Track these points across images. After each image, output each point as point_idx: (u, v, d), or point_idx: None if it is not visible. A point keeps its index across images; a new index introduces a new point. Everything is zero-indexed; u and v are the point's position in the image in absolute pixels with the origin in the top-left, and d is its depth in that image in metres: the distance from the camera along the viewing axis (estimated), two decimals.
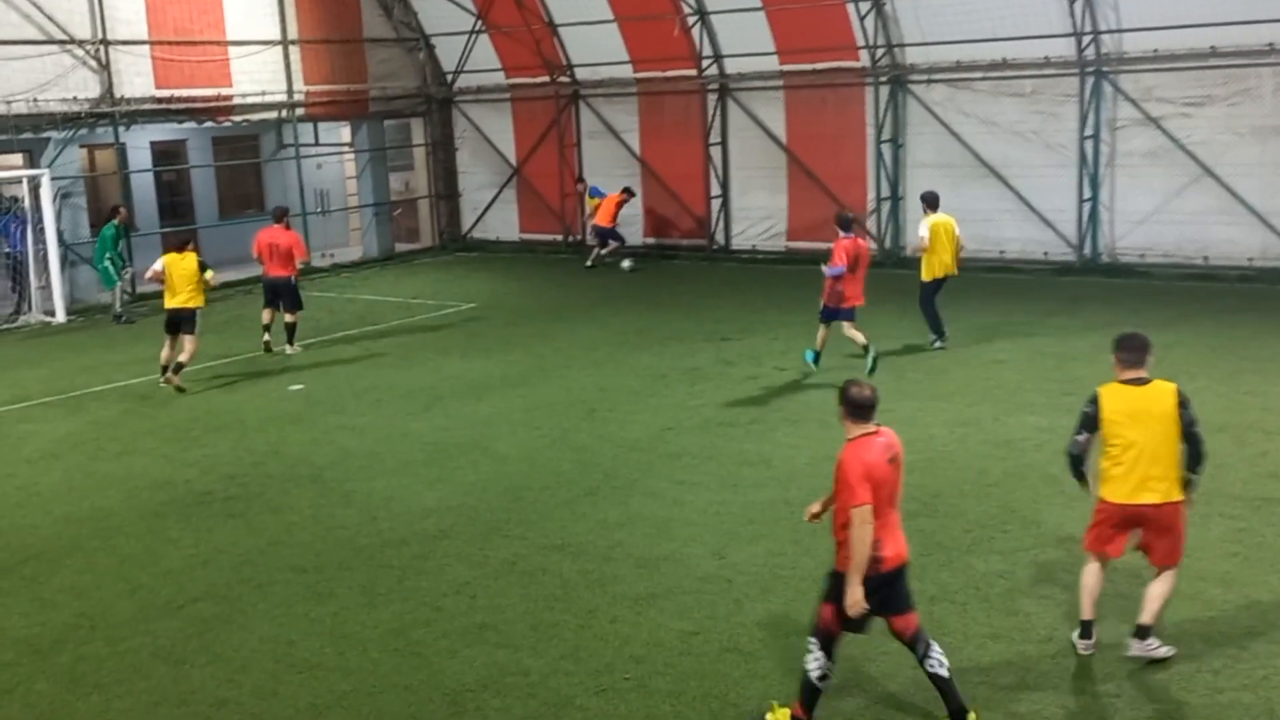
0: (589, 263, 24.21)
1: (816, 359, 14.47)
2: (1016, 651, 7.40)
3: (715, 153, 24.85)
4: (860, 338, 14.24)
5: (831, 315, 14.38)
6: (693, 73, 24.71)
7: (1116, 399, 7.14)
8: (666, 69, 24.93)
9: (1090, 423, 7.21)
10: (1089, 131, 20.65)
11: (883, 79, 22.54)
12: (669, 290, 21.47)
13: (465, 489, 11.00)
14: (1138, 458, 7.00)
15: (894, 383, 14.09)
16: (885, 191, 22.88)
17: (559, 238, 27.16)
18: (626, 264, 23.61)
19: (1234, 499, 9.71)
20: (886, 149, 22.74)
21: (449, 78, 27.95)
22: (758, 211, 24.48)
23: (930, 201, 15.85)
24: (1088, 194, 20.81)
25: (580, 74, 26.23)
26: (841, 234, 14.26)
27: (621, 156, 25.99)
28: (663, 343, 16.88)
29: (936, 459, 11.17)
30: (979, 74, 21.53)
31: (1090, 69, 20.51)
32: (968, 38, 20.89)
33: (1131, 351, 7.22)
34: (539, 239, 27.37)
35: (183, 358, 15.15)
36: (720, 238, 25.11)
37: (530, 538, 9.68)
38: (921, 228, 15.69)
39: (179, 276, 15.10)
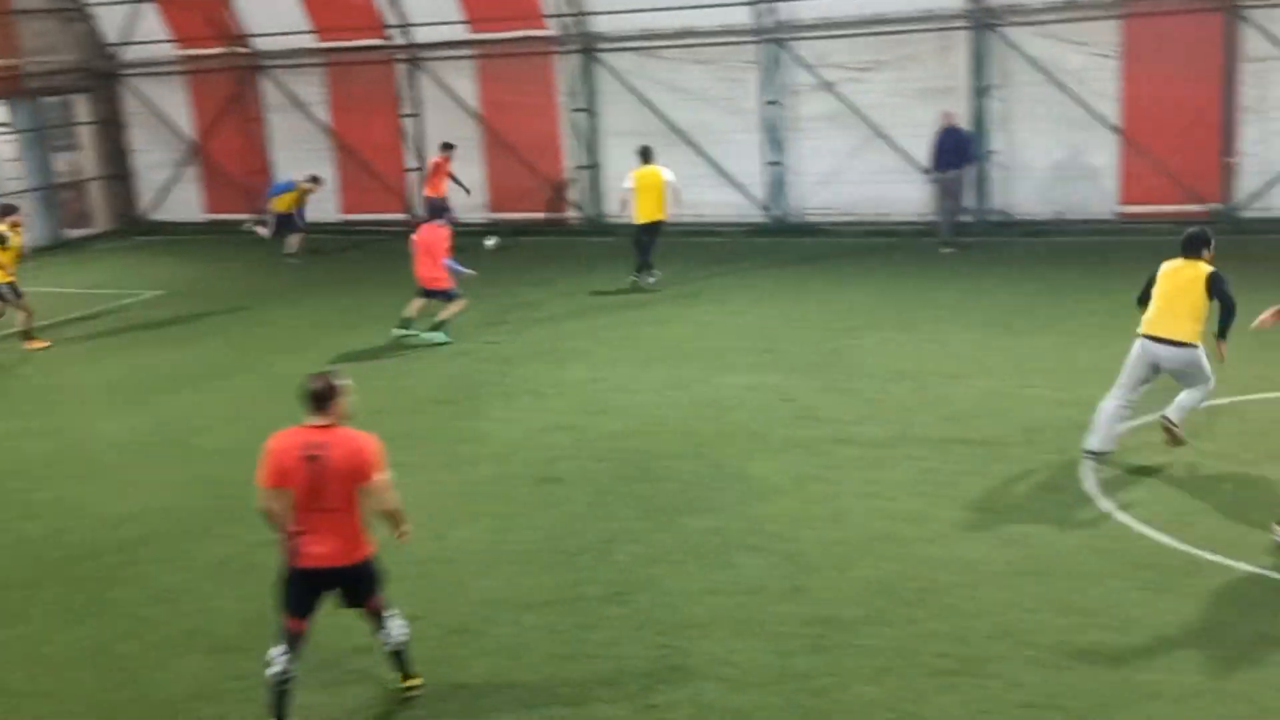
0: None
1: (439, 330, 15.10)
2: (732, 603, 7.68)
3: (410, 124, 24.46)
4: (411, 310, 15.12)
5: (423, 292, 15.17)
6: (380, 42, 24.15)
7: None
8: (353, 38, 24.23)
9: None
10: (770, 97, 21.52)
11: (572, 47, 22.72)
12: (371, 267, 21.00)
13: (166, 489, 10.42)
14: None
15: (603, 351, 14.33)
16: (584, 160, 23.11)
17: (249, 217, 26.05)
18: (491, 242, 22.04)
19: (920, 441, 10.41)
20: (581, 117, 22.97)
21: (113, 50, 26.21)
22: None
23: (640, 154, 17.99)
24: (773, 157, 21.70)
25: (260, 44, 25.11)
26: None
27: (310, 130, 25.14)
28: (368, 323, 16.47)
29: (649, 423, 11.43)
30: (665, 42, 22.01)
31: (768, 36, 21.34)
32: (652, 6, 21.27)
33: None
34: (227, 219, 26.15)
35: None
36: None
37: (240, 535, 9.27)
38: (626, 179, 17.80)
39: None
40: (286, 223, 21.96)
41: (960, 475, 9.60)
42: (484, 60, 23.52)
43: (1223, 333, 9.41)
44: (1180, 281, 9.46)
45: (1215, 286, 9.34)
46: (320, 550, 6.44)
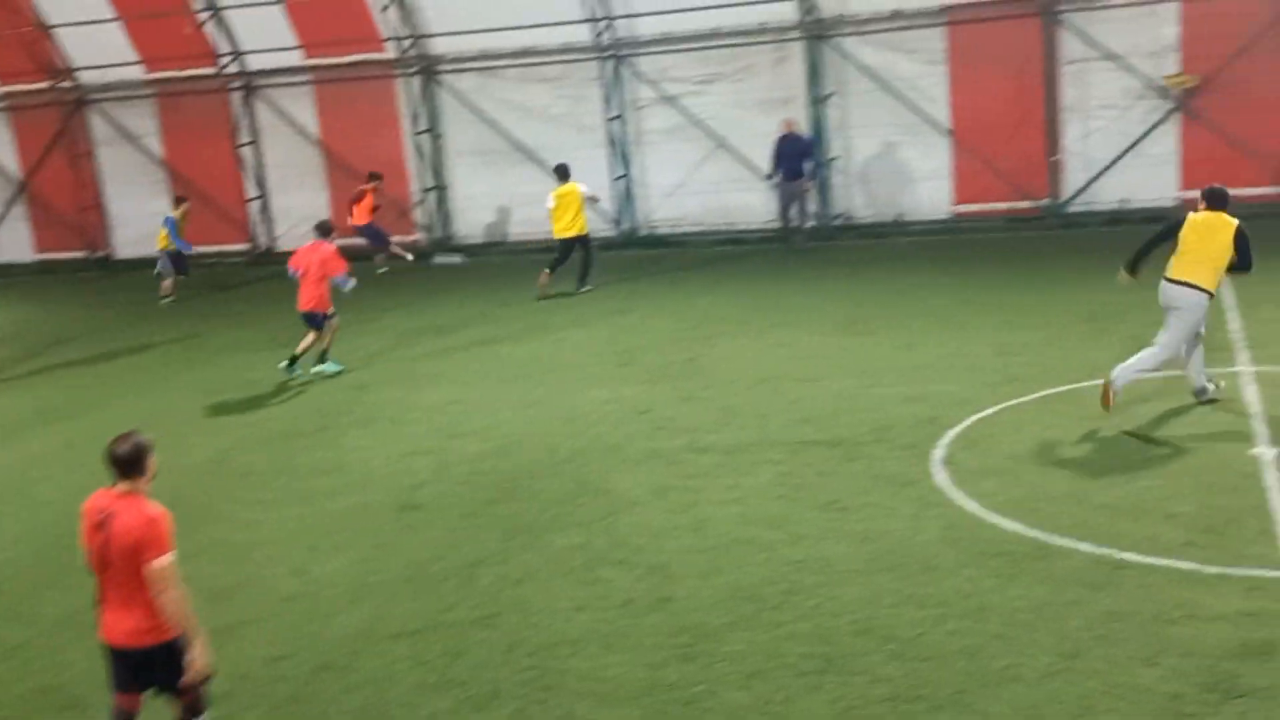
0: (382, 270, 21.23)
1: (325, 361, 14.52)
2: (600, 619, 7.69)
3: (248, 153, 23.96)
4: (301, 345, 14.33)
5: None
6: (212, 70, 23.61)
7: None
8: (183, 68, 23.65)
9: None
10: (614, 112, 21.68)
11: (412, 70, 22.56)
12: (215, 299, 20.47)
13: (6, 543, 9.97)
14: None
15: (459, 372, 14.24)
16: (430, 182, 22.94)
17: (84, 255, 25.20)
18: (445, 260, 20.39)
19: (776, 445, 10.59)
20: (425, 139, 22.80)
21: None
22: (300, 211, 23.82)
23: (558, 172, 18.38)
24: (620, 172, 21.85)
25: (86, 77, 24.35)
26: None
27: (144, 163, 24.45)
28: (216, 355, 16.09)
29: (509, 442, 11.39)
30: (506, 61, 22.02)
31: (608, 53, 21.51)
32: (492, 26, 21.27)
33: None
34: (60, 258, 25.24)
35: None
36: (263, 240, 24.29)
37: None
38: (549, 199, 18.23)
39: None
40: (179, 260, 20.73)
41: (816, 476, 9.80)
42: (322, 85, 23.21)
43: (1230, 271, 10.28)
44: (1208, 231, 10.16)
45: (1241, 239, 10.06)
46: (112, 623, 5.87)
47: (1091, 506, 8.69)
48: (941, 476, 9.50)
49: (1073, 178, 19.96)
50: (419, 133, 22.79)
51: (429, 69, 22.54)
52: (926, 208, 20.67)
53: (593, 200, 18.62)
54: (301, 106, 23.44)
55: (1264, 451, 9.37)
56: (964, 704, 6.33)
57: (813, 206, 20.76)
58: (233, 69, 23.58)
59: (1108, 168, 19.64)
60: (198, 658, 5.80)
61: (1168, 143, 19.43)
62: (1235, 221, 10.16)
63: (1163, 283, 10.34)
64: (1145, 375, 10.47)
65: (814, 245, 19.97)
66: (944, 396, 11.45)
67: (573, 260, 18.19)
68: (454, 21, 21.62)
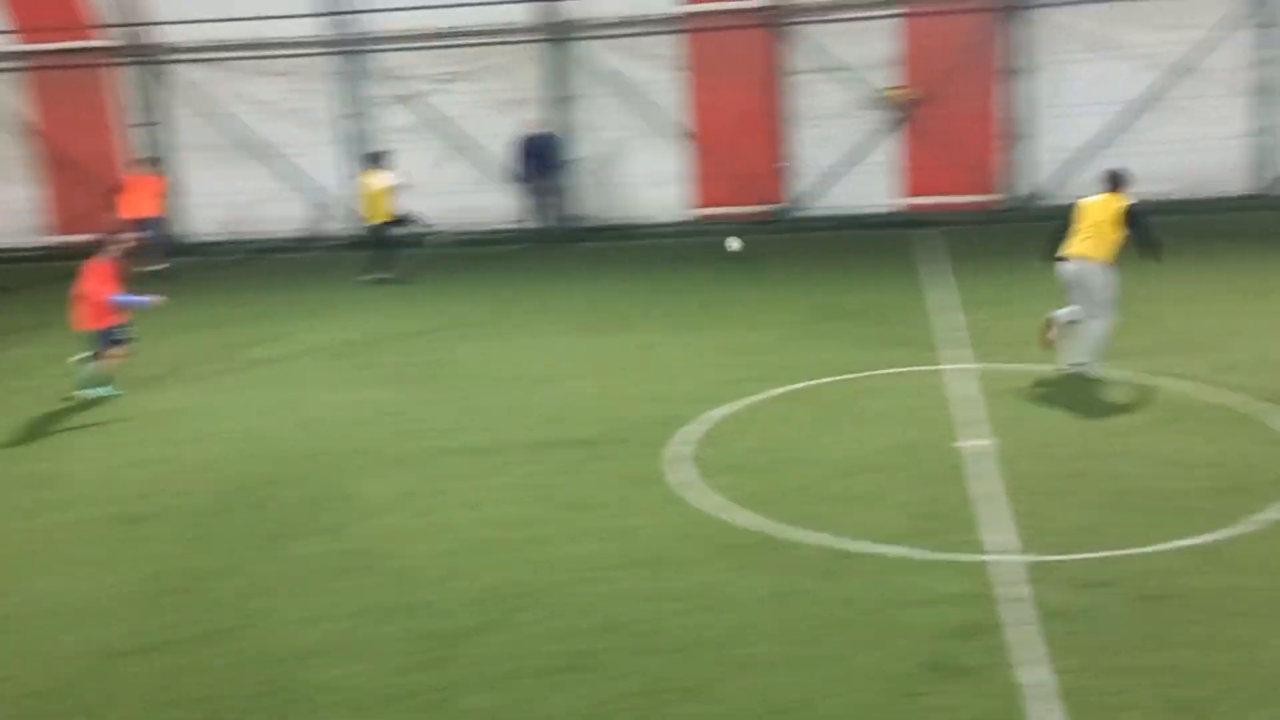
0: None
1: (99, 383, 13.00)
2: (342, 627, 7.50)
3: None
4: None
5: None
6: None
7: None
8: None
9: None
10: (348, 109, 21.20)
11: (131, 59, 21.42)
12: None
13: None
14: None
15: (190, 376, 13.64)
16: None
17: None
18: (734, 244, 17.30)
19: (519, 446, 10.60)
20: (147, 133, 21.69)
21: None
22: (12, 206, 22.26)
23: (369, 159, 18.78)
24: (354, 170, 21.38)
25: None
26: None
27: None
28: None
29: (247, 449, 10.96)
30: (236, 53, 21.21)
31: (344, 48, 21.02)
32: (221, 16, 20.44)
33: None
34: None
35: None
36: None
37: None
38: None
39: None
40: None
41: (559, 476, 9.86)
42: (37, 73, 21.75)
43: (1155, 255, 11.11)
44: (1100, 212, 11.15)
45: (1132, 215, 11.00)
46: None
47: (822, 498, 9.08)
48: (682, 473, 9.73)
49: (802, 183, 20.83)
50: (140, 125, 21.65)
51: (153, 59, 21.44)
52: (666, 210, 21.15)
53: (403, 186, 18.35)
54: (11, 94, 21.89)
55: (967, 444, 10.03)
56: (709, 694, 6.50)
57: (556, 208, 20.90)
58: None
59: (833, 175, 20.59)
60: None
61: (889, 151, 20.54)
62: (1127, 201, 11.11)
63: (1058, 264, 11.33)
64: (1100, 344, 11.36)
65: (556, 246, 20.08)
66: (684, 395, 11.73)
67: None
68: (178, 9, 20.65)
